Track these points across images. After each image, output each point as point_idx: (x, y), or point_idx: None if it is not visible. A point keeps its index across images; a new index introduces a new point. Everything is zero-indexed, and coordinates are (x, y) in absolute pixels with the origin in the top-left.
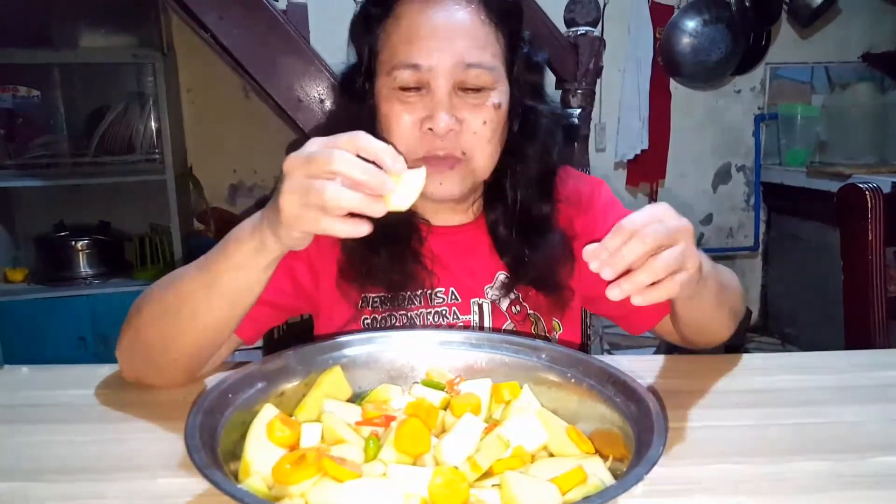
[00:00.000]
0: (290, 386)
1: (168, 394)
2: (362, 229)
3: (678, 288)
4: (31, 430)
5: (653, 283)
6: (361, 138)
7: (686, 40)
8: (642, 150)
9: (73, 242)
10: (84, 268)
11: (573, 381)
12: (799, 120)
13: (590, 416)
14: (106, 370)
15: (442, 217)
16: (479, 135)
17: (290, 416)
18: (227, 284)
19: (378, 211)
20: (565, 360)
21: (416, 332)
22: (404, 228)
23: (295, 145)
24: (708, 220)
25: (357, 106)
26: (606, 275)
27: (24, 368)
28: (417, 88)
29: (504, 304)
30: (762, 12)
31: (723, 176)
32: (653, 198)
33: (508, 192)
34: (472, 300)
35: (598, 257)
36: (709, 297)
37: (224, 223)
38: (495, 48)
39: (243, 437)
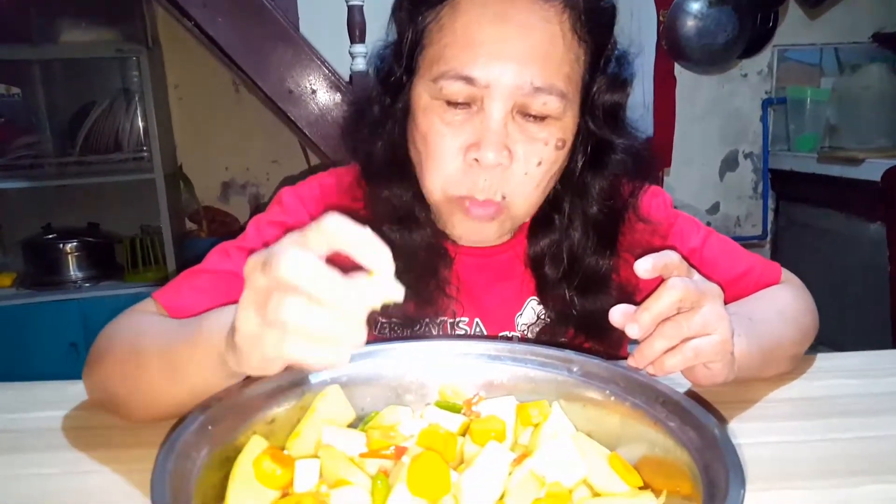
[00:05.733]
0: (281, 410)
1: None
2: (342, 357)
3: (691, 355)
4: None
5: (669, 350)
6: (332, 228)
7: (691, 23)
8: (647, 138)
9: (62, 245)
10: (74, 271)
11: (613, 399)
12: (808, 104)
13: (634, 440)
14: (81, 388)
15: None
16: (529, 176)
17: (283, 448)
18: (192, 379)
19: (355, 339)
20: (603, 373)
21: (426, 342)
22: (429, 251)
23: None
24: (715, 208)
25: (389, 101)
26: (633, 332)
27: None
28: (467, 104)
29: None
30: None
31: (730, 163)
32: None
33: (560, 229)
34: (500, 334)
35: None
36: (751, 370)
37: (217, 223)
38: (573, 68)
39: (227, 476)
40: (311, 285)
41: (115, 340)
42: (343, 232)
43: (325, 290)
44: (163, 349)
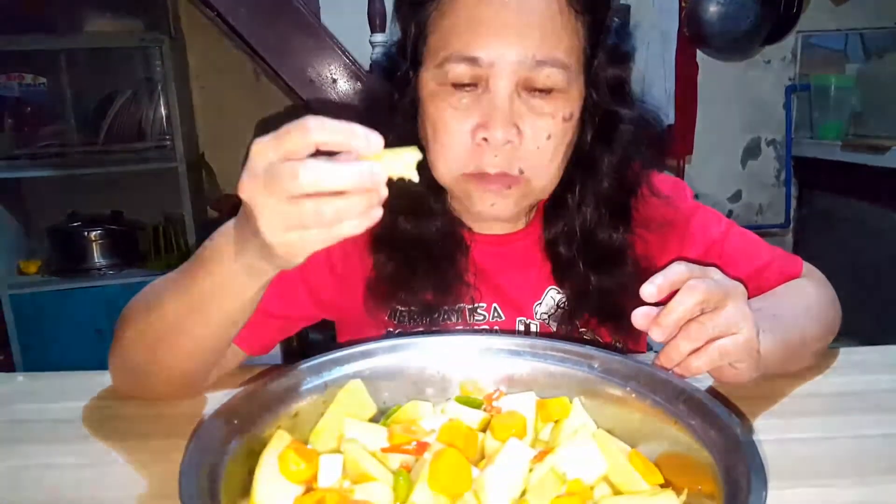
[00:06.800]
0: (305, 403)
1: (172, 406)
2: (376, 214)
3: (717, 356)
4: (7, 452)
5: (695, 351)
6: (314, 130)
7: (713, 9)
8: (668, 126)
9: (87, 233)
10: (98, 258)
11: (634, 396)
12: (833, 91)
13: (655, 437)
14: (106, 378)
15: (488, 225)
16: (542, 150)
17: (306, 441)
18: (214, 311)
19: (379, 200)
20: (623, 370)
21: (447, 337)
22: (445, 239)
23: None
24: (736, 197)
25: (396, 96)
26: (656, 335)
27: (20, 377)
28: (473, 85)
29: (555, 325)
30: None
31: (752, 151)
32: (679, 175)
33: (573, 208)
34: (517, 319)
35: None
36: (775, 366)
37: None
38: (573, 41)
39: (251, 471)
40: (337, 183)
41: (130, 310)
42: (327, 128)
43: (349, 181)
44: (180, 290)
